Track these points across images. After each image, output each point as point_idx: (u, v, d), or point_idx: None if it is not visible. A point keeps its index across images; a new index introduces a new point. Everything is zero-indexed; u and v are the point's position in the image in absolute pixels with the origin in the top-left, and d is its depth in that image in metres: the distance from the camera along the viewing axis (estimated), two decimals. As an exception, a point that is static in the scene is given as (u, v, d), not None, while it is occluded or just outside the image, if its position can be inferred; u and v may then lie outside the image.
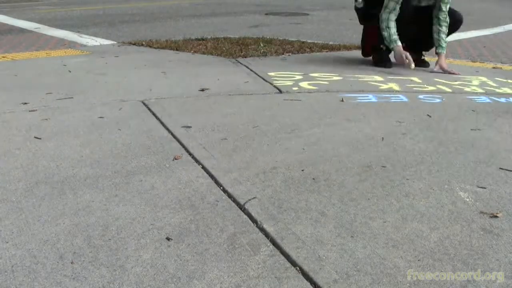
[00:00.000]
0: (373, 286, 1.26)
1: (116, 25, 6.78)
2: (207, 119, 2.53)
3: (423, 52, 4.25)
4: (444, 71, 3.95)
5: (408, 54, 3.81)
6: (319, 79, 3.52)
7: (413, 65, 3.80)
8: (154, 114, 2.59)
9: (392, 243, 1.45)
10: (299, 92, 3.13)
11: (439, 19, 3.91)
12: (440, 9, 3.88)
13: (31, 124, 2.41)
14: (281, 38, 5.44)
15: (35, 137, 2.24)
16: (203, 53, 4.55)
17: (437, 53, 3.99)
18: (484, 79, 3.76)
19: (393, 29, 3.83)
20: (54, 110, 2.66)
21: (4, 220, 1.54)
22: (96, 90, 3.10)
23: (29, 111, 2.63)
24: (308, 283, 1.27)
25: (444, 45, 3.96)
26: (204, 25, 6.92)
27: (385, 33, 3.86)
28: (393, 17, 3.82)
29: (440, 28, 3.92)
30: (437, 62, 4.00)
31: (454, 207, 1.67)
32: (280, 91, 3.16)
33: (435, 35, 3.95)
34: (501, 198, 1.74)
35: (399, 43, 3.85)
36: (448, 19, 3.92)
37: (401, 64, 3.86)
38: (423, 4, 3.92)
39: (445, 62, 4.02)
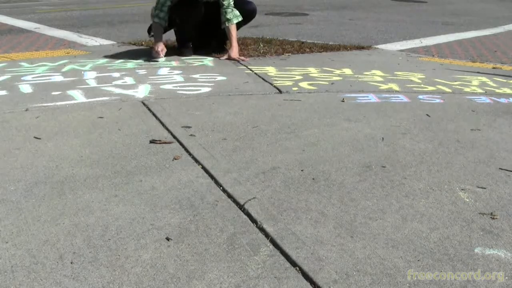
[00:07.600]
0: (373, 286, 1.26)
1: (116, 25, 6.78)
2: (207, 119, 2.53)
3: None
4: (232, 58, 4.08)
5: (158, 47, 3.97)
6: (319, 79, 3.52)
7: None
8: (154, 114, 2.59)
9: (392, 243, 1.45)
10: (299, 92, 3.13)
11: (221, 4, 4.08)
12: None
13: (31, 124, 2.41)
14: (281, 38, 5.44)
15: (35, 137, 2.24)
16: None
17: (227, 27, 4.09)
18: (484, 79, 3.76)
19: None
20: (54, 110, 2.66)
21: (4, 220, 1.54)
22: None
23: (29, 111, 2.63)
24: (308, 283, 1.27)
25: (230, 16, 4.09)
26: (204, 25, 6.91)
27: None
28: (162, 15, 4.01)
29: (224, 8, 4.07)
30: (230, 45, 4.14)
31: (454, 207, 1.67)
32: (280, 91, 3.16)
33: (222, 18, 4.09)
34: (501, 198, 1.74)
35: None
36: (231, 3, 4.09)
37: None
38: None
39: (235, 37, 4.12)
